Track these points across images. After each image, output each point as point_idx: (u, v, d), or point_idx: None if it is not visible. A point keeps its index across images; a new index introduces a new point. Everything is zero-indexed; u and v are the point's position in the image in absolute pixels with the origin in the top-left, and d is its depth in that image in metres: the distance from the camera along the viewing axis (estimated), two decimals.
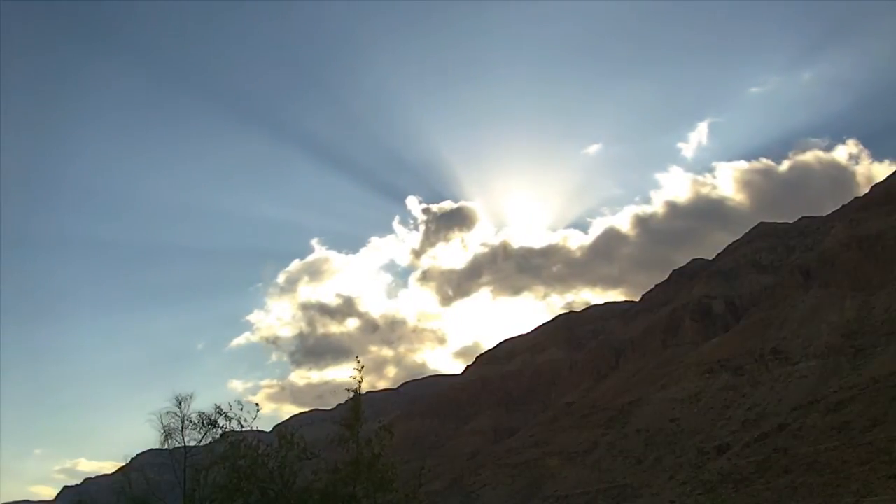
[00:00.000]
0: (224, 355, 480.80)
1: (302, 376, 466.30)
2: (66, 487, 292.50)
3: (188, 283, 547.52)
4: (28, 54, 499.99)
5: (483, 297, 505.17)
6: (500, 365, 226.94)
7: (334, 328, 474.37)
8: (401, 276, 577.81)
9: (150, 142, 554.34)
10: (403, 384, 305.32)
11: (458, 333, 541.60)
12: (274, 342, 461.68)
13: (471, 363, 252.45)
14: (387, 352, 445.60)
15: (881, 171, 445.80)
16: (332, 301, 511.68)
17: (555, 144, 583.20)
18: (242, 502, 21.21)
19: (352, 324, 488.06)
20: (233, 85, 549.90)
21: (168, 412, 23.32)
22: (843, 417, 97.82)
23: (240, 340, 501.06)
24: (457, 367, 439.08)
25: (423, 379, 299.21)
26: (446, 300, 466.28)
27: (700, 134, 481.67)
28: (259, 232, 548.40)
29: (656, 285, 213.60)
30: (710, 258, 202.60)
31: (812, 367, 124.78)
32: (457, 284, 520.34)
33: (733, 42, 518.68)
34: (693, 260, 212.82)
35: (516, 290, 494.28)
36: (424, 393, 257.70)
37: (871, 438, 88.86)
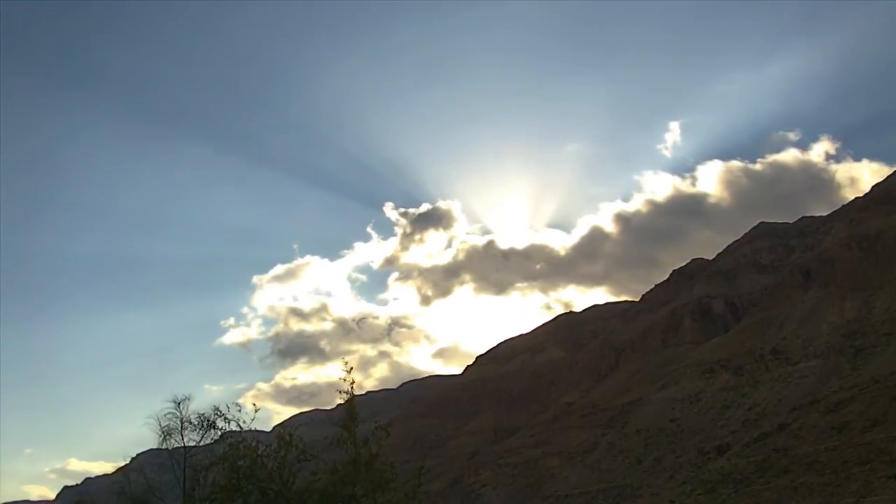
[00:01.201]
0: (207, 356, 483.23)
1: (284, 377, 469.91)
2: (66, 487, 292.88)
3: (168, 288, 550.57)
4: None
5: (463, 296, 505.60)
6: (500, 365, 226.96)
7: (310, 328, 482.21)
8: (380, 277, 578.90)
9: (130, 160, 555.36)
10: (403, 384, 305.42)
11: (438, 333, 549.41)
12: (248, 345, 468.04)
13: (471, 363, 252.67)
14: (368, 352, 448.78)
15: (857, 167, 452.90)
16: (310, 303, 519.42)
17: (532, 144, 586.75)
18: (242, 502, 21.25)
19: (328, 325, 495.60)
20: (201, 104, 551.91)
21: (167, 413, 23.36)
22: (843, 417, 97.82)
23: (222, 341, 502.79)
24: (436, 366, 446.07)
25: (423, 379, 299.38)
26: (426, 300, 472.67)
27: (675, 133, 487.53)
28: (239, 240, 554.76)
29: (656, 285, 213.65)
30: (710, 258, 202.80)
31: (812, 367, 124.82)
32: (436, 284, 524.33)
33: (701, 40, 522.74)
34: (693, 260, 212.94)
35: (499, 289, 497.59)
36: (424, 393, 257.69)
37: (871, 438, 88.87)
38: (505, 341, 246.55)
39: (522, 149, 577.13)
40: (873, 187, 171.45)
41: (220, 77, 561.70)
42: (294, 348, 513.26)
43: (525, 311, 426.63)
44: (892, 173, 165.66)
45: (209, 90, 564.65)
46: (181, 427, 23.29)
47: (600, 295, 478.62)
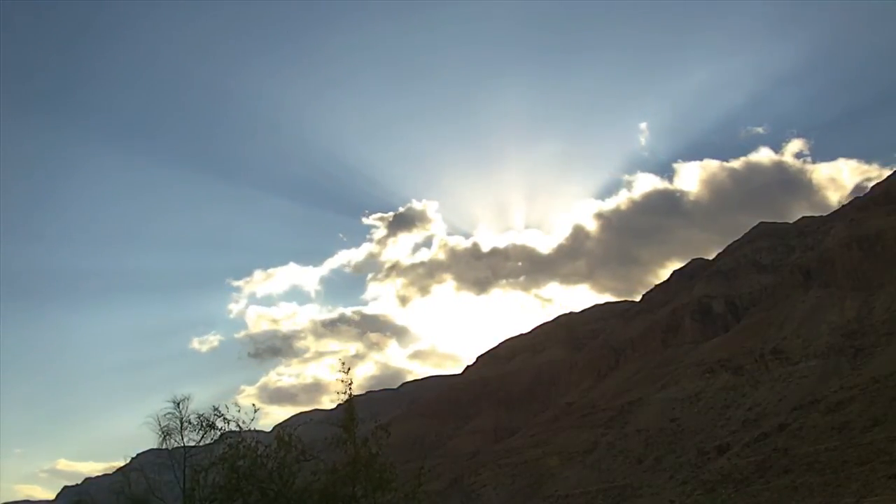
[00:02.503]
0: (191, 357, 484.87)
1: (267, 378, 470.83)
2: (66, 487, 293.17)
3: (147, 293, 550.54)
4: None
5: (443, 296, 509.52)
6: (500, 365, 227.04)
7: (287, 329, 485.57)
8: (357, 280, 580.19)
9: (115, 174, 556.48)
10: (403, 384, 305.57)
11: (417, 333, 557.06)
12: (227, 346, 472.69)
13: (472, 363, 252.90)
14: (348, 352, 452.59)
15: (832, 165, 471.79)
16: (288, 306, 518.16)
17: (508, 143, 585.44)
18: (242, 502, 21.24)
19: (306, 326, 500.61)
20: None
21: (167, 413, 23.32)
22: (843, 417, 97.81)
23: (206, 343, 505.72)
24: (414, 367, 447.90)
25: (423, 379, 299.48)
26: (403, 301, 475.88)
27: (647, 131, 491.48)
28: (219, 252, 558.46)
29: (656, 285, 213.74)
30: (710, 258, 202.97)
31: (812, 367, 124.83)
32: (415, 284, 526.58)
33: (670, 37, 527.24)
34: (693, 260, 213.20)
35: (480, 288, 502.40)
36: (424, 393, 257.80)
37: (871, 438, 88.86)
38: (505, 341, 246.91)
39: (497, 149, 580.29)
40: (873, 187, 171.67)
41: (181, 87, 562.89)
42: (271, 350, 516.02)
43: (508, 309, 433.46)
44: (893, 173, 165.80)
45: (174, 102, 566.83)
46: (181, 427, 23.26)
47: (584, 292, 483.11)
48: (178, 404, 23.24)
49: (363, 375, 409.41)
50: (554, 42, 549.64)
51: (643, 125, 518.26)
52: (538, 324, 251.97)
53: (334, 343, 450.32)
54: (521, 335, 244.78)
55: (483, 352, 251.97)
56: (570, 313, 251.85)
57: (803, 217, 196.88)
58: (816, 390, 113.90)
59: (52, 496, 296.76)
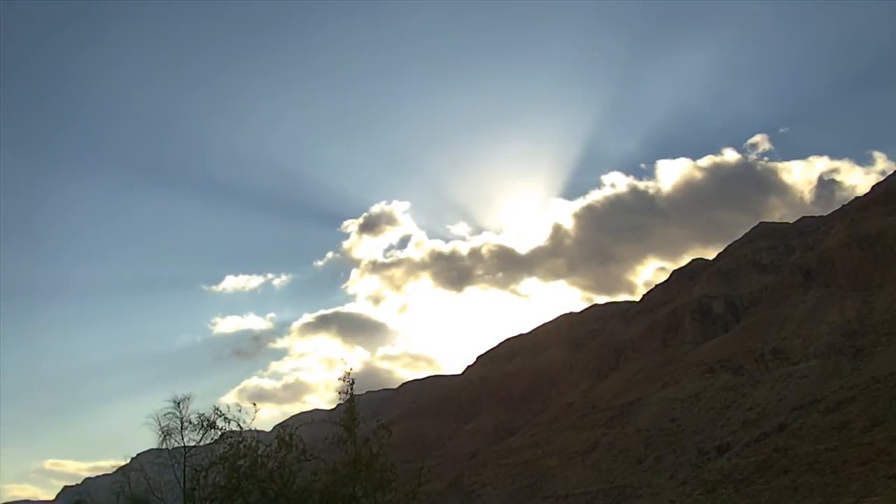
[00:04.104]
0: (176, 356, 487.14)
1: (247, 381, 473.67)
2: (66, 487, 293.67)
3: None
4: None
5: (420, 295, 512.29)
6: (500, 365, 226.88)
7: (259, 330, 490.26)
8: (331, 281, 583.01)
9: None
10: (403, 384, 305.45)
11: (394, 335, 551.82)
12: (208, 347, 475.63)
13: (472, 363, 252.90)
14: (320, 354, 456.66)
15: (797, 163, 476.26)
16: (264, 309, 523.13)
17: (476, 143, 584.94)
18: (242, 502, 21.21)
19: (278, 329, 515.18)
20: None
21: (167, 413, 23.29)
22: (843, 417, 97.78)
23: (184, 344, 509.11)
24: (386, 366, 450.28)
25: (423, 379, 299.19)
26: (377, 302, 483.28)
27: (618, 130, 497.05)
28: (192, 259, 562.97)
29: (657, 285, 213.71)
30: (711, 258, 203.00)
31: (812, 367, 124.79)
32: (392, 284, 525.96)
33: (627, 36, 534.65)
34: (693, 260, 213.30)
35: (456, 287, 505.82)
36: (424, 393, 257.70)
37: (871, 438, 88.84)
38: (505, 341, 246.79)
39: (466, 148, 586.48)
40: (873, 187, 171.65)
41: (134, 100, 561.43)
42: (245, 352, 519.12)
43: (485, 307, 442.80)
44: (893, 173, 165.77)
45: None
46: (181, 427, 23.23)
47: (562, 287, 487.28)
48: (179, 404, 23.22)
49: (340, 377, 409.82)
50: (516, 40, 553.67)
51: (612, 124, 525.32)
52: (539, 324, 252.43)
53: (308, 344, 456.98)
54: (521, 335, 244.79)
55: (483, 352, 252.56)
56: (570, 313, 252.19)
57: (803, 217, 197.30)
58: (816, 390, 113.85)
59: (43, 496, 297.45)
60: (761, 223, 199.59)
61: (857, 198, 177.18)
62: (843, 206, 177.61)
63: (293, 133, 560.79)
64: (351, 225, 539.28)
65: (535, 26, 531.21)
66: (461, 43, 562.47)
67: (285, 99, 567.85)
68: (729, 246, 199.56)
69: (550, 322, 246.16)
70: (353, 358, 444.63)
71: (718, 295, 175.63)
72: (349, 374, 22.44)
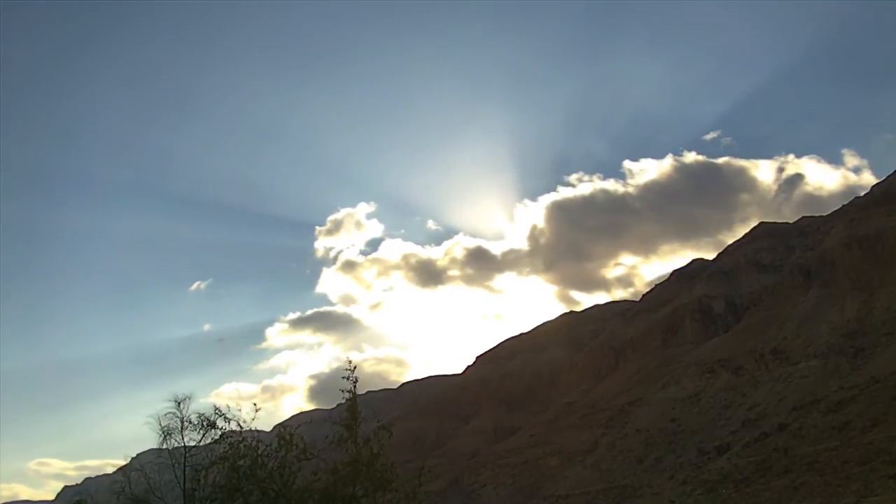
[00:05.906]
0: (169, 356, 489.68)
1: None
2: (65, 487, 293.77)
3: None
4: None
5: (395, 294, 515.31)
6: (500, 365, 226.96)
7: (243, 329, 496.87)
8: (305, 280, 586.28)
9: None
10: (403, 384, 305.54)
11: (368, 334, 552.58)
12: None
13: (471, 363, 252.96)
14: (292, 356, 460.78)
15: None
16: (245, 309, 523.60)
17: (444, 144, 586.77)
18: (242, 502, 21.21)
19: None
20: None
21: (167, 413, 23.27)
22: (843, 417, 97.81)
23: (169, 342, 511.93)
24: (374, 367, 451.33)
25: (423, 379, 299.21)
26: (347, 301, 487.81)
27: (585, 130, 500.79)
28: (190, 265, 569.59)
29: (657, 285, 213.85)
30: (711, 258, 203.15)
31: (812, 367, 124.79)
32: (365, 283, 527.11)
33: (596, 41, 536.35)
34: (693, 260, 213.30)
35: (430, 285, 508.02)
36: (424, 393, 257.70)
37: (871, 438, 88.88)
38: (505, 341, 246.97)
39: (434, 146, 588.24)
40: (873, 187, 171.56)
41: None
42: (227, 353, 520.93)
43: (457, 305, 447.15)
44: (893, 173, 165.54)
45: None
46: (181, 427, 23.20)
47: (537, 282, 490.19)
48: (179, 404, 23.19)
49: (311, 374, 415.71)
50: (483, 40, 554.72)
51: (578, 125, 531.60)
52: (539, 323, 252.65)
53: (286, 343, 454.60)
54: (521, 335, 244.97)
55: (483, 351, 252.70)
56: (571, 313, 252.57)
57: (803, 217, 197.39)
58: (816, 390, 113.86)
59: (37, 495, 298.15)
60: (761, 223, 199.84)
61: (857, 197, 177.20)
62: (844, 205, 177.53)
63: (249, 143, 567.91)
64: (322, 227, 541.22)
65: (502, 26, 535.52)
66: (427, 42, 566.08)
67: (241, 109, 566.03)
68: (729, 246, 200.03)
69: (550, 322, 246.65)
70: (324, 355, 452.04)
71: (718, 295, 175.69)
72: (353, 372, 22.37)
